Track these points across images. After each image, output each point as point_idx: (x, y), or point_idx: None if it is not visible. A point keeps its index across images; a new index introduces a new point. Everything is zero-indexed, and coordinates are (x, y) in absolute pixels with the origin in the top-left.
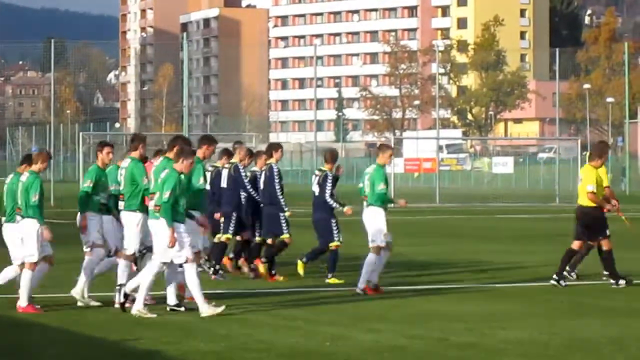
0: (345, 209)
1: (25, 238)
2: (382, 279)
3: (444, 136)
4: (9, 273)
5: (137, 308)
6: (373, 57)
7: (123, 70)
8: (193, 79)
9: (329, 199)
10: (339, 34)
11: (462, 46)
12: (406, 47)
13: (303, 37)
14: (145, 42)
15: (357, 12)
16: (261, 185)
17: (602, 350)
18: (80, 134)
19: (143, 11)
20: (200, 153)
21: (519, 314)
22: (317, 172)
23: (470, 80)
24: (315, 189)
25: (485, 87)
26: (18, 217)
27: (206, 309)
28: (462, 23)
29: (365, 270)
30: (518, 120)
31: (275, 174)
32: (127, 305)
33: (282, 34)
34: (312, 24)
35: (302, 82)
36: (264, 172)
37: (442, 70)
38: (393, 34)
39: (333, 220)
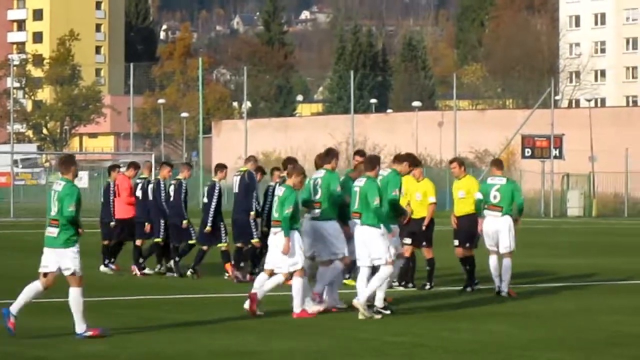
0: None
1: None
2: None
3: (18, 150)
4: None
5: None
6: None
7: None
8: None
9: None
10: None
11: (38, 60)
12: None
13: None
14: None
15: None
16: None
17: None
18: None
19: None
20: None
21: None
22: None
23: (45, 94)
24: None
25: (60, 101)
26: None
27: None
28: (37, 37)
29: None
30: (93, 135)
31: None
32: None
33: None
34: None
35: None
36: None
37: (17, 85)
38: None
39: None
